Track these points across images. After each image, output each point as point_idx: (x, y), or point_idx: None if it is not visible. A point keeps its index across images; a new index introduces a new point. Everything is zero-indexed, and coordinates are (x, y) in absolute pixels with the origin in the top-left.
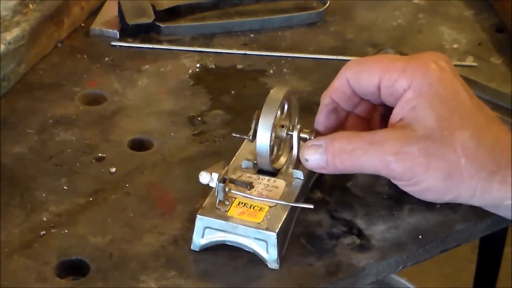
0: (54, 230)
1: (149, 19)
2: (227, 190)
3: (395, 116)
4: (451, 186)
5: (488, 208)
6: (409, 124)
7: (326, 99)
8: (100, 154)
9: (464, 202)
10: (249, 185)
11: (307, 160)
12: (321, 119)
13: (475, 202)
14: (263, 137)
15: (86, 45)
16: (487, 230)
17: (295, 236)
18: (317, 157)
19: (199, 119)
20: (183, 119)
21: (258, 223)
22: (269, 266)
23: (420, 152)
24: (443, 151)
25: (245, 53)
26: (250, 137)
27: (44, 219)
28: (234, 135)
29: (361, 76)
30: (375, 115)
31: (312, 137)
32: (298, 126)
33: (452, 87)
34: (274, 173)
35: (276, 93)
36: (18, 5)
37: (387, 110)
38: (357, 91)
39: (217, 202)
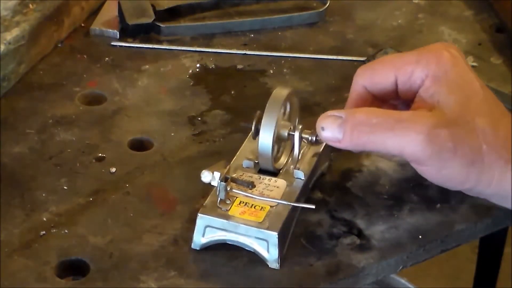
0: (54, 230)
1: (149, 19)
2: (228, 189)
3: (416, 103)
4: (472, 174)
5: (496, 199)
6: (434, 108)
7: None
8: (100, 154)
9: (478, 192)
10: (251, 185)
11: (323, 129)
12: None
13: (489, 192)
14: (266, 137)
15: (86, 45)
16: (487, 230)
17: (295, 236)
18: (335, 127)
19: (199, 119)
20: (183, 119)
21: (259, 222)
22: (269, 266)
23: (449, 136)
24: (468, 137)
25: (245, 53)
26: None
27: (44, 219)
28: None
29: (375, 79)
30: None
31: (313, 137)
32: (300, 127)
33: (466, 74)
34: (275, 173)
35: (279, 94)
36: (18, 5)
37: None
38: (375, 93)
39: (218, 201)
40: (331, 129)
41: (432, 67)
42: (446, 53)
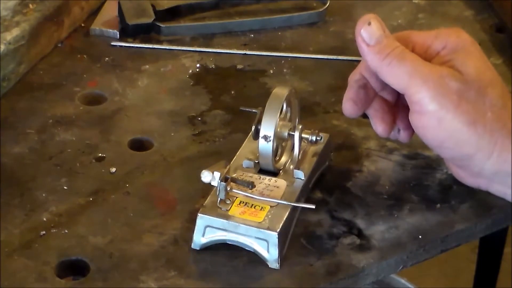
0: (54, 230)
1: (149, 19)
2: (228, 189)
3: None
4: (473, 136)
5: (497, 180)
6: (453, 67)
7: (356, 75)
8: (100, 154)
9: (478, 165)
10: (251, 185)
11: (369, 24)
12: (351, 94)
13: (490, 165)
14: (266, 137)
15: (86, 45)
16: (487, 230)
17: (295, 236)
18: (375, 32)
19: (199, 119)
20: (183, 119)
21: (259, 222)
22: (269, 266)
23: (456, 90)
24: (476, 99)
25: (245, 53)
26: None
27: (44, 219)
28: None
29: None
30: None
31: (314, 137)
32: (300, 126)
33: (481, 54)
34: (275, 173)
35: (279, 93)
36: (18, 5)
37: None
38: None
39: (218, 201)
40: (371, 33)
41: (451, 40)
42: (465, 34)
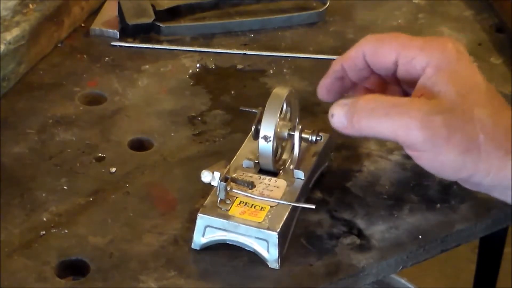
0: (54, 230)
1: (149, 19)
2: (228, 189)
3: (417, 90)
4: (468, 162)
5: (498, 192)
6: (434, 96)
7: (336, 66)
8: (100, 154)
9: (477, 182)
10: (251, 185)
11: (332, 116)
12: (326, 83)
13: (488, 181)
14: (266, 137)
15: (86, 45)
16: (487, 230)
17: (295, 236)
18: (341, 114)
19: (199, 119)
20: (183, 119)
21: (259, 222)
22: (269, 266)
23: (443, 123)
24: (464, 125)
25: (245, 53)
26: (253, 135)
27: (44, 219)
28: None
29: (379, 51)
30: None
31: (314, 137)
32: (300, 126)
33: (469, 67)
34: (275, 173)
35: (279, 93)
36: (18, 5)
37: (400, 88)
38: (372, 65)
39: (218, 201)
40: (338, 116)
41: (436, 56)
42: (451, 46)
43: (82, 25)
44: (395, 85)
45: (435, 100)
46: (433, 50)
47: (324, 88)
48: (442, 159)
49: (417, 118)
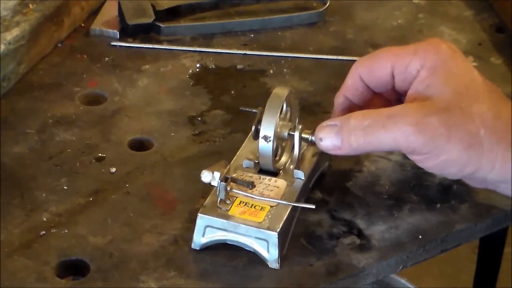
0: (54, 230)
1: (149, 19)
2: (228, 189)
3: (410, 96)
4: (472, 157)
5: (504, 186)
6: (427, 99)
7: (340, 98)
8: (100, 154)
9: (482, 177)
10: (251, 185)
11: (321, 140)
12: (337, 116)
13: (494, 175)
14: (266, 137)
15: (86, 45)
16: (487, 230)
17: (295, 236)
18: (332, 136)
19: (199, 119)
20: (183, 119)
21: (259, 222)
22: (269, 266)
23: (440, 123)
24: (463, 121)
25: (245, 53)
26: (253, 135)
27: (44, 219)
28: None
29: (374, 67)
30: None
31: (314, 137)
32: (300, 126)
33: (464, 65)
34: (275, 173)
35: (279, 93)
36: (18, 5)
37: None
38: (371, 84)
39: (218, 201)
40: (330, 139)
41: (429, 58)
42: (444, 45)
43: (82, 25)
44: (397, 102)
45: (429, 101)
46: (426, 52)
47: None
48: (445, 157)
49: (412, 123)
